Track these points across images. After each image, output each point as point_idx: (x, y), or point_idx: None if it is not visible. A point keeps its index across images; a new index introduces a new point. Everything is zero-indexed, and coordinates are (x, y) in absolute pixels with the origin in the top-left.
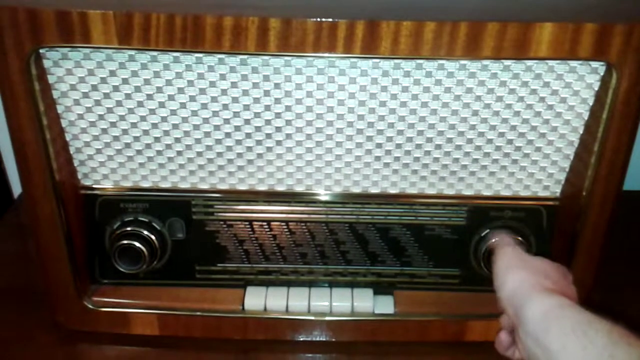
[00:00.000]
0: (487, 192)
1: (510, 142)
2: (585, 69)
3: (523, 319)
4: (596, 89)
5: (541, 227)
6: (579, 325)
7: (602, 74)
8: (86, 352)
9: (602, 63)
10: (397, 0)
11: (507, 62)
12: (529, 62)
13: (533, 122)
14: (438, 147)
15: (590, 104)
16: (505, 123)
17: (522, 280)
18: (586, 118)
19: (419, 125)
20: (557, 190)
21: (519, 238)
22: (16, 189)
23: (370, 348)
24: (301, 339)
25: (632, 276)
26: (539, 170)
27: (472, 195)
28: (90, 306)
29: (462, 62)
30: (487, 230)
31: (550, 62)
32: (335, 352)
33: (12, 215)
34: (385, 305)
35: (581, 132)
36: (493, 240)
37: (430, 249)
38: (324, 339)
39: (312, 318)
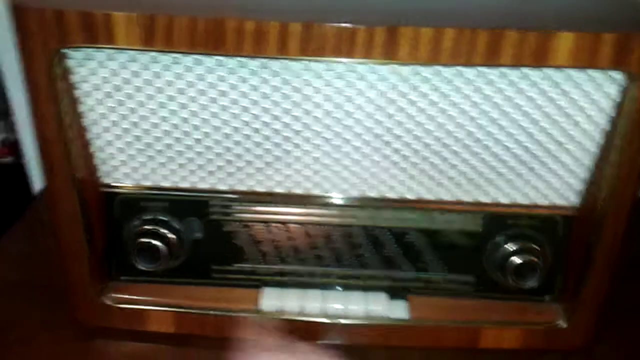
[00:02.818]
0: (503, 200)
1: (527, 150)
2: (604, 78)
3: None
4: (615, 98)
5: (557, 236)
6: None
7: (621, 83)
8: (102, 347)
9: (621, 73)
10: (417, 6)
11: (526, 70)
12: (548, 71)
13: (551, 130)
14: (455, 153)
15: (610, 113)
16: (523, 131)
17: None
18: (605, 128)
19: (436, 131)
20: (574, 199)
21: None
22: (36, 185)
23: (383, 352)
24: (315, 341)
25: None
26: (556, 179)
27: (488, 202)
28: (108, 303)
29: (481, 69)
30: (504, 238)
31: (569, 71)
32: (349, 355)
33: (32, 211)
34: (399, 310)
35: (599, 141)
36: None
37: (446, 255)
38: (337, 342)
39: (326, 320)
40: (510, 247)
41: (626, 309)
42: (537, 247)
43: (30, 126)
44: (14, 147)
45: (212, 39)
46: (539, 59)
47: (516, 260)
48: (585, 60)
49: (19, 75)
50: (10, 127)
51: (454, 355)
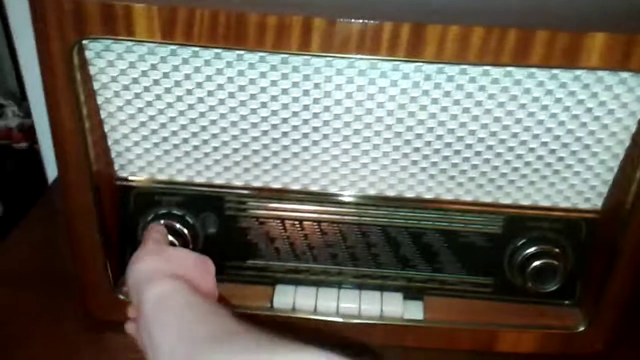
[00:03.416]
0: (525, 202)
1: (552, 152)
2: (635, 80)
3: (142, 303)
4: None
5: (580, 239)
6: (184, 308)
7: None
8: (112, 340)
9: None
10: (444, 3)
11: (555, 71)
12: (578, 72)
13: (578, 132)
14: (478, 153)
15: (639, 117)
16: (548, 132)
17: (150, 267)
18: (633, 131)
19: (458, 131)
20: (598, 203)
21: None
22: (51, 171)
23: (398, 353)
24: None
25: None
26: (580, 182)
27: (509, 203)
28: (121, 296)
29: (508, 69)
30: (524, 240)
31: (600, 73)
32: (363, 355)
33: (46, 199)
34: (414, 311)
35: (627, 145)
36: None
37: (464, 256)
38: (351, 342)
39: (341, 320)
40: (531, 250)
41: None
42: (558, 251)
43: (46, 112)
44: (29, 132)
45: (234, 32)
46: (569, 60)
47: (537, 263)
48: (618, 61)
49: (35, 60)
50: (26, 112)
51: (469, 357)
